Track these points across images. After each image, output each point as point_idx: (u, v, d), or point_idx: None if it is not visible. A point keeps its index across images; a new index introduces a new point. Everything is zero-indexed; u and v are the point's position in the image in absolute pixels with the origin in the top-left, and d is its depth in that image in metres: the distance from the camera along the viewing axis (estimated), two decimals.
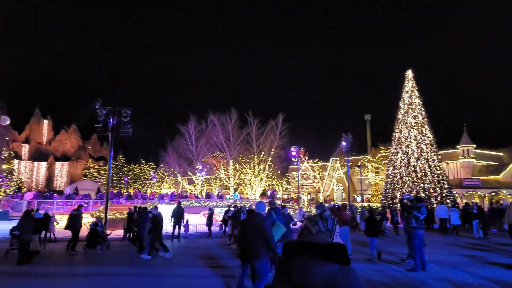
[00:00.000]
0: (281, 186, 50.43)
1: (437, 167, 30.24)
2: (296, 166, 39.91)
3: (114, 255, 13.37)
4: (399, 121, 32.37)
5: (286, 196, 51.24)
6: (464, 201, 32.29)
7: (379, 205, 33.21)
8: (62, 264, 11.97)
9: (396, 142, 32.29)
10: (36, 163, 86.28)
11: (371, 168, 47.56)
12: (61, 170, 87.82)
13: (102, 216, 20.25)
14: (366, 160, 47.92)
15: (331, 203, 38.09)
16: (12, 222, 16.18)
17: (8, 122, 27.57)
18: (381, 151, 45.71)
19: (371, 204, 36.29)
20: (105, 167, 74.21)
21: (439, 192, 29.14)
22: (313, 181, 52.02)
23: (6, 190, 41.05)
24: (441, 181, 29.70)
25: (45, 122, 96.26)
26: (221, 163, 45.64)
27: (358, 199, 43.33)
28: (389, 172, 32.56)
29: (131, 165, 76.31)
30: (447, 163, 43.02)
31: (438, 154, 31.20)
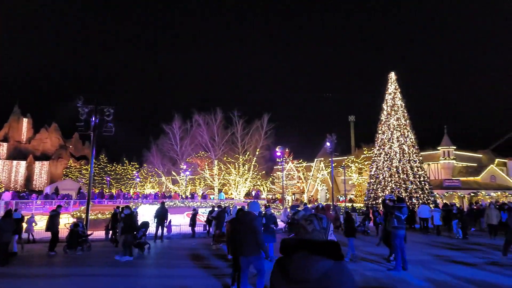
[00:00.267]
0: (266, 186, 50.50)
1: (419, 168, 30.79)
2: (280, 167, 40.01)
3: (95, 256, 13.12)
4: (382, 122, 32.83)
5: (270, 197, 51.33)
6: (444, 201, 32.98)
7: (362, 205, 33.62)
8: (41, 265, 11.67)
9: (379, 143, 32.74)
10: (15, 162, 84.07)
11: (354, 169, 48.11)
12: (41, 169, 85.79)
13: (83, 217, 19.86)
14: (350, 161, 48.45)
15: (315, 203, 38.36)
16: None
17: None
18: (364, 152, 46.28)
19: (354, 204, 36.74)
20: (86, 167, 72.87)
21: (420, 192, 29.68)
22: (298, 182, 52.27)
23: None
24: (423, 182, 30.25)
25: (25, 120, 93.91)
26: (206, 163, 45.38)
27: (342, 199, 43.80)
28: (372, 173, 32.98)
29: (114, 164, 75.11)
30: (428, 164, 43.89)
31: (419, 155, 31.77)
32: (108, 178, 69.51)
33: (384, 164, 31.52)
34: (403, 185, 30.01)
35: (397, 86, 33.07)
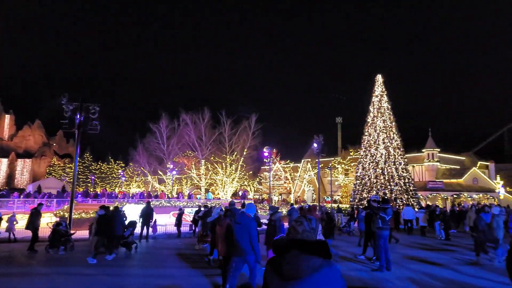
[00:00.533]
0: (253, 186, 50.51)
1: (404, 170, 31.23)
2: (268, 167, 40.07)
3: (78, 255, 12.89)
4: (369, 124, 33.18)
5: (257, 197, 51.37)
6: (428, 202, 33.53)
7: (348, 206, 33.93)
8: (21, 264, 11.41)
9: (365, 145, 33.09)
10: None
11: (341, 170, 48.54)
12: (23, 167, 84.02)
13: (66, 216, 19.51)
14: (337, 162, 48.86)
15: (301, 204, 38.53)
16: None
17: None
18: (351, 154, 46.73)
19: (339, 205, 37.03)
20: (70, 165, 71.69)
21: (405, 194, 30.11)
22: (285, 182, 52.45)
23: None
24: (407, 184, 30.70)
25: (7, 116, 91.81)
26: (193, 163, 45.13)
27: (328, 199, 44.12)
28: (358, 174, 33.31)
29: (99, 163, 74.08)
30: (413, 166, 44.59)
31: (404, 157, 32.24)
32: (92, 177, 68.47)
33: (370, 166, 31.88)
34: (388, 187, 30.41)
35: (384, 89, 33.49)
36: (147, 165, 49.36)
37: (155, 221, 19.56)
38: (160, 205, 26.88)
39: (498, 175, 47.60)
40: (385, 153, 31.38)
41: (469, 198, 41.15)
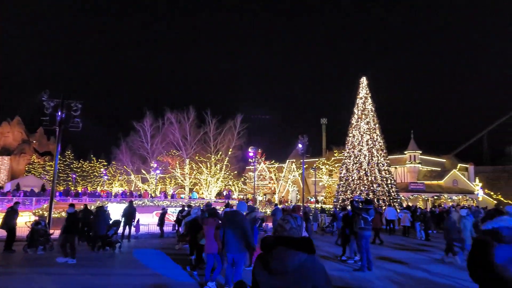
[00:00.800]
0: (237, 186, 50.44)
1: (386, 171, 31.69)
2: (253, 167, 40.09)
3: (58, 255, 12.60)
4: (353, 126, 33.54)
5: (242, 197, 51.32)
6: (409, 204, 34.13)
7: (331, 206, 34.21)
8: None
9: (349, 146, 33.43)
10: None
11: (325, 171, 48.95)
12: (1, 165, 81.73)
13: (45, 215, 19.06)
14: (321, 162, 49.24)
15: (286, 204, 38.69)
16: None
17: None
18: (335, 154, 47.18)
19: (323, 206, 37.33)
20: (51, 163, 70.08)
21: (387, 195, 30.55)
22: (269, 182, 52.56)
23: None
24: (389, 185, 31.17)
25: None
26: (177, 162, 44.76)
27: (312, 200, 44.42)
28: (342, 175, 33.63)
29: (81, 161, 72.65)
30: (395, 168, 45.32)
31: (387, 158, 32.72)
32: (74, 175, 67.15)
33: (354, 167, 32.23)
34: (371, 188, 30.80)
35: (368, 91, 33.91)
36: (130, 164, 48.70)
37: (138, 220, 19.31)
38: (143, 204, 26.56)
39: (477, 177, 48.82)
40: (369, 154, 31.78)
41: (449, 200, 42.09)
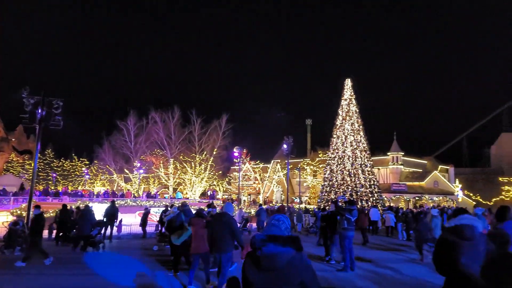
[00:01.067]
0: (222, 186, 50.26)
1: (370, 172, 32.10)
2: (237, 167, 40.02)
3: (37, 256, 12.30)
4: (337, 127, 33.85)
5: (226, 197, 51.18)
6: (392, 204, 34.67)
7: (315, 206, 34.44)
8: None
9: (333, 147, 33.72)
10: None
11: (309, 171, 49.24)
12: None
13: (24, 215, 18.57)
14: (306, 163, 49.52)
15: (270, 204, 38.79)
16: None
17: None
18: (319, 155, 47.50)
19: (307, 206, 37.55)
20: (30, 162, 68.31)
21: (370, 195, 30.95)
22: (254, 182, 52.58)
23: None
24: (372, 186, 31.58)
25: None
26: (161, 162, 44.31)
27: (296, 200, 44.64)
28: (326, 176, 33.90)
29: (61, 160, 71.02)
30: (378, 169, 45.98)
31: (370, 160, 33.15)
32: (54, 174, 65.66)
33: (338, 168, 32.53)
34: (355, 188, 31.15)
35: (352, 93, 34.29)
36: (113, 163, 47.96)
37: (121, 221, 19.04)
38: (126, 204, 26.19)
39: (457, 179, 49.96)
40: (352, 155, 32.14)
41: (430, 201, 42.95)
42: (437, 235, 11.93)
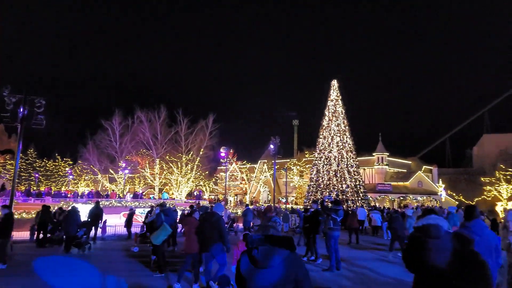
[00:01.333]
0: (209, 186, 50.02)
1: (355, 172, 32.44)
2: (224, 167, 39.89)
3: (18, 257, 12.00)
4: (324, 127, 34.11)
5: (213, 197, 50.97)
6: (377, 204, 35.10)
7: (301, 207, 34.61)
8: None
9: (320, 147, 33.97)
10: None
11: (296, 171, 49.45)
12: None
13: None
14: (292, 163, 49.72)
15: (257, 204, 38.77)
16: None
17: None
18: (306, 155, 47.76)
19: (293, 206, 37.67)
20: (12, 161, 66.72)
21: (356, 195, 31.28)
22: (241, 183, 52.51)
23: None
24: (358, 186, 31.92)
25: None
26: (147, 162, 43.83)
27: (283, 200, 44.75)
28: (313, 176, 34.11)
29: (44, 160, 69.56)
30: (364, 169, 46.49)
31: (356, 160, 33.51)
32: (36, 175, 64.26)
33: (324, 168, 32.77)
34: (341, 188, 31.42)
35: (339, 94, 34.60)
36: (98, 163, 47.19)
37: (105, 221, 18.76)
38: (110, 205, 25.80)
39: (440, 179, 50.86)
40: (339, 155, 32.42)
41: (414, 200, 43.62)
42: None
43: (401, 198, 44.52)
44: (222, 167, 46.62)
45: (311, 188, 33.71)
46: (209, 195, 50.57)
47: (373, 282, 9.00)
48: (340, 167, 32.11)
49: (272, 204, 29.10)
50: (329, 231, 10.36)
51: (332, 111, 34.00)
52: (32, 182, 62.21)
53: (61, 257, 12.65)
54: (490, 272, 4.11)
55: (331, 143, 33.00)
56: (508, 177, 45.64)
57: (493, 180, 46.85)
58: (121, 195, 39.91)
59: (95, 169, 46.87)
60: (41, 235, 15.22)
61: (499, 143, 51.20)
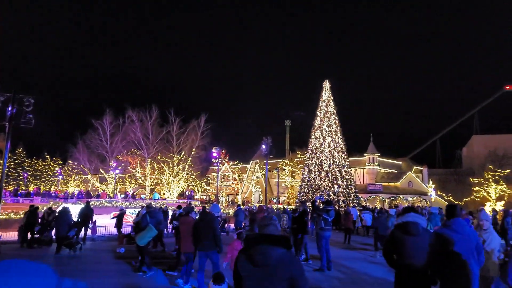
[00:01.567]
0: (200, 187, 49.83)
1: (347, 173, 32.62)
2: (216, 167, 39.78)
3: (6, 258, 11.82)
4: (316, 128, 34.24)
5: (204, 197, 50.80)
6: (368, 204, 35.34)
7: (293, 207, 34.70)
8: None
9: (311, 148, 34.08)
10: None
11: (288, 172, 49.54)
12: None
13: None
14: (284, 163, 49.80)
15: (249, 205, 38.74)
16: None
17: None
18: (298, 156, 47.88)
19: (285, 206, 37.75)
20: (0, 161, 65.59)
21: (347, 195, 31.45)
22: (232, 183, 52.42)
23: None
24: (349, 186, 32.10)
25: None
26: (138, 162, 43.51)
27: (275, 201, 44.81)
28: (304, 176, 34.21)
29: (33, 159, 68.58)
30: (355, 169, 46.77)
31: (347, 160, 33.68)
32: (25, 175, 63.35)
33: (316, 168, 32.88)
34: (332, 188, 31.57)
35: (331, 94, 34.76)
36: (88, 163, 46.70)
37: (95, 222, 18.59)
38: (101, 205, 25.57)
39: (430, 179, 51.40)
40: (330, 156, 32.56)
41: (405, 201, 44.02)
42: None
43: (392, 198, 44.89)
44: (214, 167, 46.49)
45: (303, 189, 33.80)
46: (201, 195, 50.38)
47: (364, 282, 9.05)
48: (331, 167, 32.25)
49: (264, 205, 29.11)
50: (320, 231, 10.39)
51: (324, 111, 34.14)
52: (21, 182, 61.35)
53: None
54: (470, 271, 4.21)
55: (323, 144, 33.13)
56: (497, 177, 46.33)
57: (482, 181, 47.52)
58: (111, 195, 39.56)
59: (85, 169, 46.38)
60: (29, 236, 15.03)
61: (488, 144, 51.94)
